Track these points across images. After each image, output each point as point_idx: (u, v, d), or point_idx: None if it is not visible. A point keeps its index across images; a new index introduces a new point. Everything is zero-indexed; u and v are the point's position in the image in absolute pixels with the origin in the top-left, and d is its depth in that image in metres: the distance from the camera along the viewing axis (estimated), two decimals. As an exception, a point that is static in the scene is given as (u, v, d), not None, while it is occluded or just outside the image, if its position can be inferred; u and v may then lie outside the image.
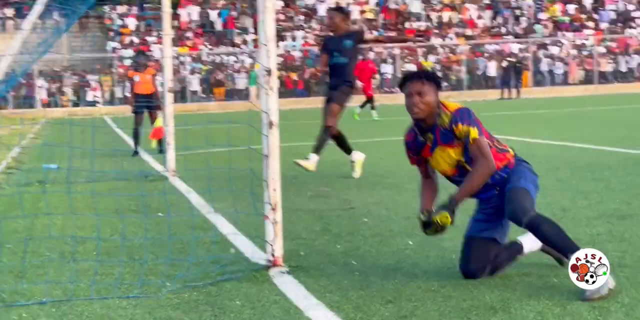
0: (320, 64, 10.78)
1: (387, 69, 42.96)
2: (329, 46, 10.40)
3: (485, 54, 44.57)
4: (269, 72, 5.48)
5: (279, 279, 5.24)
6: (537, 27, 47.40)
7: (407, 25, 47.10)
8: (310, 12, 47.76)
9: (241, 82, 41.55)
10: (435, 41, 46.01)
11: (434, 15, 48.17)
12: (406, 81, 5.10)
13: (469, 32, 46.53)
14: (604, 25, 47.67)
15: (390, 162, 11.79)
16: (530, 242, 5.20)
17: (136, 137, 15.34)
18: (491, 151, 4.99)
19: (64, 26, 9.88)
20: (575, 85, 43.11)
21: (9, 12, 46.63)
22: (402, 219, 7.23)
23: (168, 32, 11.34)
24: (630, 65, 44.43)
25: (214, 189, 8.68)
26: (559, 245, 4.76)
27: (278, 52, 36.99)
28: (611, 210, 7.27)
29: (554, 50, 44.86)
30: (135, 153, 15.06)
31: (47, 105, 40.28)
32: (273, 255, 5.48)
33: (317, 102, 27.40)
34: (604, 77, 43.85)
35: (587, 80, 43.96)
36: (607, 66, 44.16)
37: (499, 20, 48.87)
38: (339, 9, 11.05)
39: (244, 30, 45.49)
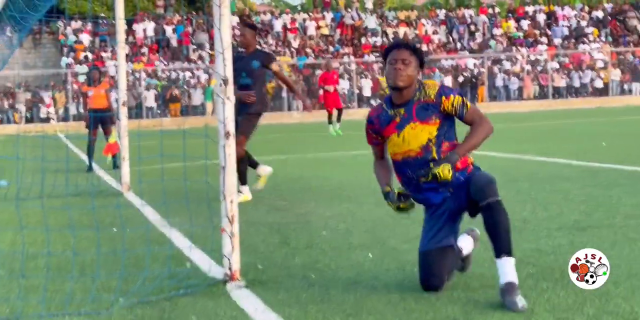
0: None
1: (344, 84, 43.01)
2: (237, 65, 8.42)
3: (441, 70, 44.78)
4: (225, 81, 5.36)
5: (237, 293, 5.10)
6: (491, 42, 47.76)
7: (363, 40, 47.24)
8: (267, 28, 47.68)
9: (197, 97, 41.31)
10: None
11: (390, 31, 48.31)
12: (393, 48, 5.03)
13: (424, 47, 46.68)
14: (557, 41, 48.19)
15: (348, 176, 11.71)
16: (466, 245, 5.23)
17: (90, 152, 15.09)
18: None
19: (16, 41, 9.71)
20: (531, 100, 43.44)
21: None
22: (361, 232, 7.13)
23: (122, 45, 11.17)
24: (583, 80, 44.87)
25: (169, 203, 8.51)
26: (502, 238, 4.67)
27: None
28: (572, 221, 7.23)
29: (509, 65, 45.20)
30: (90, 168, 14.82)
31: (-1, 121, 39.77)
32: (230, 269, 5.34)
33: (269, 117, 27.42)
34: (558, 92, 44.26)
35: (542, 95, 44.32)
36: (561, 81, 44.56)
37: (454, 35, 49.20)
38: (252, 25, 9.96)
39: (200, 46, 45.29)
